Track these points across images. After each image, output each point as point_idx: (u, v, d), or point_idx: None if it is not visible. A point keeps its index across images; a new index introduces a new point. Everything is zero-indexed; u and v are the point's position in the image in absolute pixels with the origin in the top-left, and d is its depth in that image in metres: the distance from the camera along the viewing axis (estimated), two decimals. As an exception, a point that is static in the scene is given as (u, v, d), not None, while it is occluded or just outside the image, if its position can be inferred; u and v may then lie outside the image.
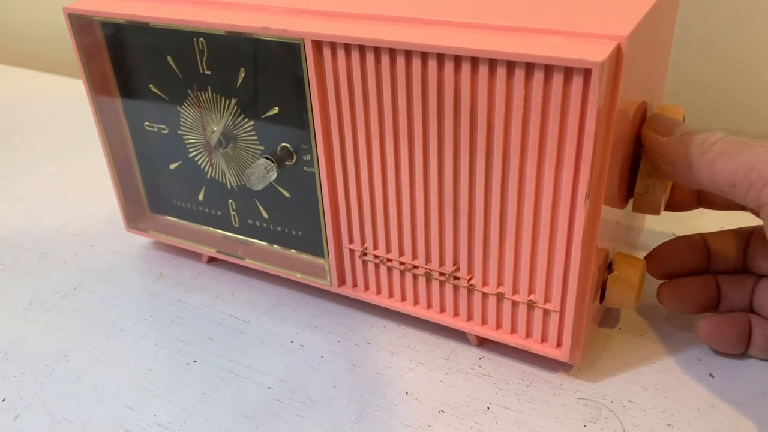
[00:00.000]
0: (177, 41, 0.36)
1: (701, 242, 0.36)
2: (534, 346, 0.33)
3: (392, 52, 0.29)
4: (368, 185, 0.34)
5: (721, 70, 0.51)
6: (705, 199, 0.36)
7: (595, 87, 0.25)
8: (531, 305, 0.32)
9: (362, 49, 0.30)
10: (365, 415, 0.33)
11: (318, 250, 0.39)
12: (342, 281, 0.38)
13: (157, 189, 0.44)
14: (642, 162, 0.33)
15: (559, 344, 0.33)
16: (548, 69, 0.26)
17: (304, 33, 0.31)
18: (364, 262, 0.37)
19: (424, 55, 0.29)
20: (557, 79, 0.26)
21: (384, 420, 0.33)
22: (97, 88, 0.40)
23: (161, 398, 0.34)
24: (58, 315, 0.41)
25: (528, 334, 0.33)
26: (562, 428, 0.32)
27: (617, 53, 0.26)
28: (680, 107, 0.35)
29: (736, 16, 0.48)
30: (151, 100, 0.40)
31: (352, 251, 0.37)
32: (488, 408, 0.33)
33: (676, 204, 0.36)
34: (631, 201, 0.35)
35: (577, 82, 0.26)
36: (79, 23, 0.38)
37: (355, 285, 0.38)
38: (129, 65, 0.39)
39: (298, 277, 0.39)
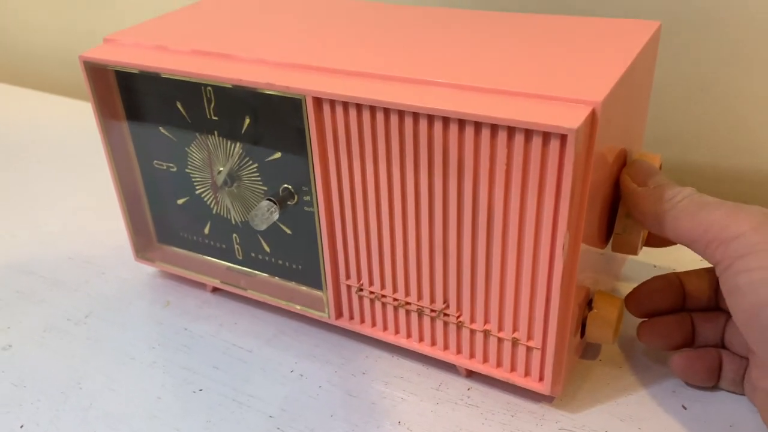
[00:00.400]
0: (186, 90, 0.39)
1: (677, 282, 0.38)
2: (518, 379, 0.36)
3: (386, 111, 0.32)
4: (364, 227, 0.36)
5: (701, 107, 0.53)
6: None
7: (570, 150, 0.28)
8: (515, 342, 0.35)
9: (359, 106, 0.32)
10: (360, 443, 0.35)
11: (317, 284, 0.41)
12: (339, 314, 0.40)
13: (164, 221, 0.46)
14: (621, 204, 0.36)
15: (541, 378, 0.35)
16: (528, 132, 0.29)
17: (305, 90, 0.33)
18: (360, 297, 0.39)
19: (416, 115, 0.31)
20: (536, 142, 0.29)
21: (377, 448, 0.35)
22: (109, 127, 0.43)
23: (169, 426, 0.37)
24: (71, 343, 0.43)
25: (513, 368, 0.36)
26: (544, 457, 0.34)
27: (592, 117, 0.29)
28: (657, 155, 0.38)
29: (714, 57, 0.50)
30: (160, 141, 0.42)
31: (349, 286, 0.39)
32: (474, 437, 0.35)
33: (654, 241, 0.39)
34: (610, 242, 0.37)
35: (554, 144, 0.28)
36: (94, 70, 0.41)
37: (351, 318, 0.40)
38: (140, 108, 0.42)
39: (298, 309, 0.42)
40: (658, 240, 0.39)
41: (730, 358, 0.36)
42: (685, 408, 0.36)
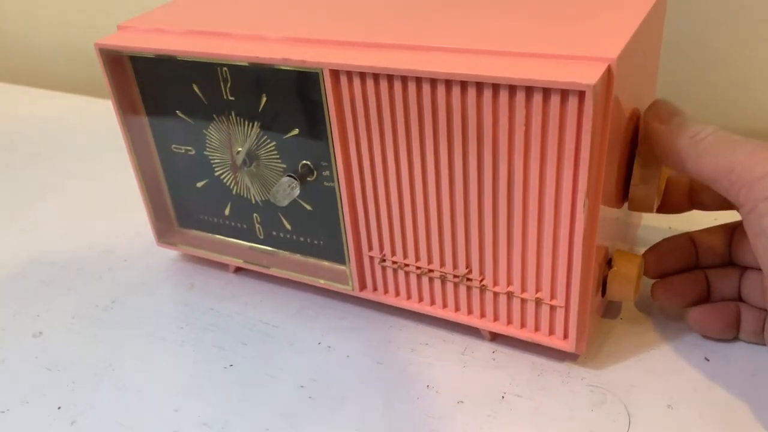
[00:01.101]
0: (202, 71, 0.39)
1: (689, 241, 0.39)
2: (543, 338, 0.36)
3: (404, 79, 0.32)
4: (385, 198, 0.37)
5: (710, 69, 0.54)
6: (697, 201, 0.39)
7: (589, 106, 0.28)
8: (538, 302, 0.35)
9: (376, 76, 0.33)
10: (391, 408, 0.36)
11: (339, 258, 0.42)
12: (363, 286, 0.41)
13: (184, 205, 0.47)
14: (638, 153, 0.36)
15: (565, 336, 0.36)
16: (546, 91, 0.29)
17: (322, 63, 0.34)
18: (383, 268, 0.40)
19: (433, 82, 0.32)
20: (554, 100, 0.29)
21: (409, 412, 0.36)
22: (127, 115, 0.43)
23: (204, 401, 0.38)
24: (100, 327, 0.44)
25: (537, 328, 0.36)
26: (572, 413, 0.35)
27: (608, 74, 0.29)
28: None
29: (722, 19, 0.51)
30: (177, 125, 0.43)
31: (371, 258, 0.40)
32: (503, 397, 0.36)
33: (668, 207, 0.39)
34: (626, 201, 0.38)
35: (572, 102, 0.29)
36: (109, 57, 0.41)
37: (375, 289, 0.41)
38: (156, 93, 0.42)
39: (321, 283, 0.43)
40: (671, 206, 0.39)
41: (748, 310, 0.37)
42: (707, 360, 0.37)
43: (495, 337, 0.39)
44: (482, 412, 0.35)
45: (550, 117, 0.30)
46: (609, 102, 0.30)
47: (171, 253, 0.50)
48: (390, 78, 0.33)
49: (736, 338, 0.38)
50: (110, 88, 0.42)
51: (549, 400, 0.36)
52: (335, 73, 0.34)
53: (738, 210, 0.32)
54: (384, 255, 0.39)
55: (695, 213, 0.40)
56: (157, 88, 0.42)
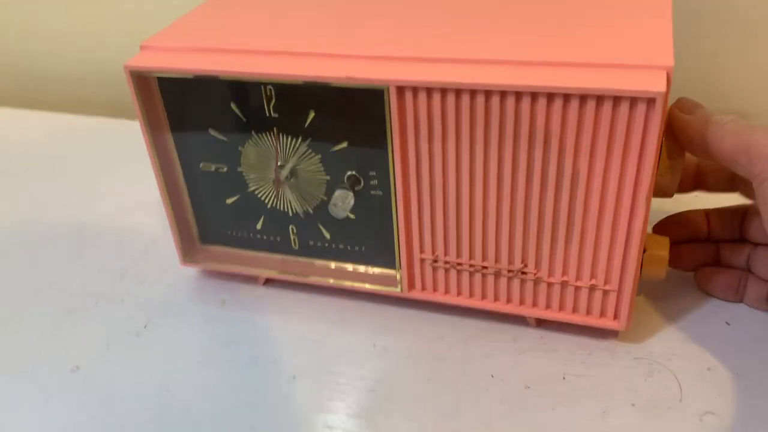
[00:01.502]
0: (242, 90, 0.39)
1: (702, 215, 0.43)
2: (594, 321, 0.40)
3: (473, 93, 0.34)
4: (442, 203, 0.39)
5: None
6: (701, 182, 0.43)
7: (658, 112, 0.32)
8: (592, 288, 0.39)
9: (444, 91, 0.35)
10: (465, 400, 0.38)
11: (385, 262, 0.43)
12: (412, 286, 0.43)
13: (210, 222, 0.47)
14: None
15: (616, 317, 0.39)
16: (617, 99, 0.32)
17: (388, 80, 0.35)
18: (434, 268, 0.42)
19: (503, 93, 0.34)
20: (624, 107, 0.32)
21: (482, 403, 0.38)
22: (155, 136, 0.42)
23: (278, 414, 0.38)
24: (141, 352, 0.43)
25: (588, 312, 0.40)
26: (629, 384, 0.38)
27: (667, 80, 0.33)
28: None
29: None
30: (208, 143, 0.42)
31: (422, 260, 0.42)
32: (564, 378, 0.39)
33: (685, 185, 0.43)
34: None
35: (641, 108, 0.32)
36: (139, 78, 0.40)
37: (423, 288, 0.43)
38: (185, 113, 0.42)
39: (367, 287, 0.44)
40: (680, 186, 0.43)
41: (755, 280, 0.42)
42: (728, 324, 0.42)
43: (540, 323, 0.42)
44: (551, 393, 0.38)
45: (618, 122, 0.33)
46: (666, 106, 0.33)
47: (188, 271, 0.50)
48: (458, 92, 0.34)
49: (741, 302, 0.43)
50: (139, 109, 0.41)
51: (605, 375, 0.39)
52: (401, 89, 0.35)
53: (753, 184, 0.36)
54: (436, 256, 0.41)
55: (708, 198, 0.44)
56: (188, 108, 0.42)
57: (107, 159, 0.65)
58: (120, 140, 0.67)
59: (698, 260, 0.43)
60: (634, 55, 0.34)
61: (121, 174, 0.62)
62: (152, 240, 0.53)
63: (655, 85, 0.31)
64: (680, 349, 0.40)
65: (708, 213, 0.44)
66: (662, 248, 0.40)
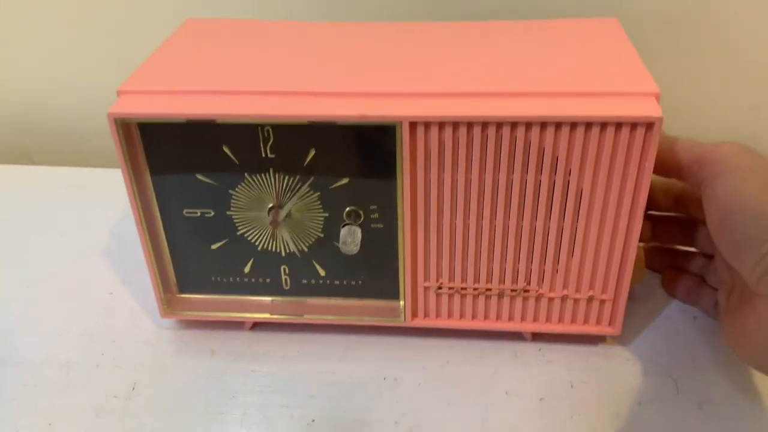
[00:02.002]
0: (237, 132, 0.38)
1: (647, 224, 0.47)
2: (591, 329, 0.43)
3: (484, 125, 0.36)
4: (449, 230, 0.40)
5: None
6: (680, 205, 0.45)
7: (656, 134, 0.35)
8: (590, 299, 0.41)
9: (456, 124, 0.36)
10: (488, 419, 0.39)
11: (385, 293, 0.44)
12: (414, 315, 0.44)
13: (190, 270, 0.45)
14: None
15: (611, 323, 0.42)
16: (618, 125, 0.35)
17: (401, 116, 0.36)
18: (438, 295, 0.43)
19: (514, 124, 0.36)
20: (625, 131, 0.35)
21: (507, 419, 0.39)
22: (139, 186, 0.40)
23: (310, 461, 0.37)
24: (136, 417, 0.40)
25: (585, 321, 0.43)
26: (631, 385, 0.41)
27: (657, 104, 0.36)
28: None
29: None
30: (194, 188, 0.41)
31: (426, 288, 0.42)
32: (572, 386, 0.42)
33: (656, 207, 0.47)
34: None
35: (640, 131, 0.35)
36: (123, 125, 0.38)
37: (426, 316, 0.44)
38: (170, 158, 0.40)
39: (367, 321, 0.44)
40: (663, 206, 0.47)
41: (707, 288, 0.45)
42: (695, 318, 0.46)
43: (535, 336, 0.45)
44: (565, 403, 0.40)
45: (620, 144, 0.36)
46: (659, 128, 0.36)
47: (162, 323, 0.47)
48: (469, 125, 0.36)
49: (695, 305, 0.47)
50: (122, 157, 0.39)
51: (607, 378, 0.42)
52: (413, 124, 0.36)
53: (701, 188, 0.38)
54: (441, 283, 0.42)
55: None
56: (172, 153, 0.40)
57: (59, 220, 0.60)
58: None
59: (665, 262, 0.47)
60: (622, 83, 0.37)
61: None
62: (112, 296, 0.49)
63: (652, 110, 0.35)
64: (664, 345, 0.44)
65: (656, 219, 0.47)
66: (639, 254, 0.44)
